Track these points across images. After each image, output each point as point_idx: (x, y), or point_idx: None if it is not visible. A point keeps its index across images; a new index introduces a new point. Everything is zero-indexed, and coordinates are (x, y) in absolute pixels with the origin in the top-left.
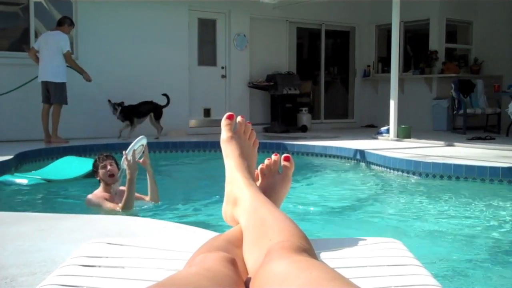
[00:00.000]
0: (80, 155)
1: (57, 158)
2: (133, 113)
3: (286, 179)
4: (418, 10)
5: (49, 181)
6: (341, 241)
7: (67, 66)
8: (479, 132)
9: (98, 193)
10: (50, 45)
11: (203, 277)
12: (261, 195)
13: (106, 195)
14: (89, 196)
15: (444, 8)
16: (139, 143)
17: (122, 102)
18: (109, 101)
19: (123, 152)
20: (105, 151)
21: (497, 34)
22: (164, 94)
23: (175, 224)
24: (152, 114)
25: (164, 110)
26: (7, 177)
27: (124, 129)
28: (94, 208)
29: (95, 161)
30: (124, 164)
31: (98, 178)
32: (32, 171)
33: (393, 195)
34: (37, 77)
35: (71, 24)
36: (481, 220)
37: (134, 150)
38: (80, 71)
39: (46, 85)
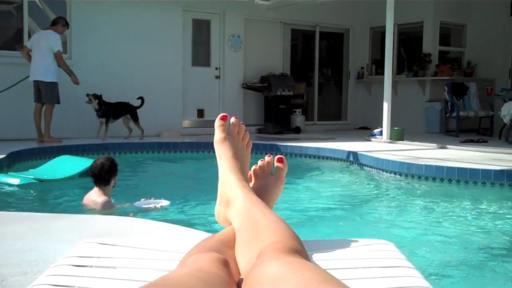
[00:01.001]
0: (72, 155)
1: (49, 158)
2: (110, 112)
3: (279, 180)
4: (412, 12)
5: (41, 180)
6: (333, 243)
7: (58, 66)
8: (472, 135)
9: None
10: (42, 44)
11: (195, 277)
12: (254, 196)
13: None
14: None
15: (438, 11)
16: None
17: (100, 95)
18: (87, 94)
19: (161, 205)
20: (98, 151)
21: (490, 38)
22: (140, 97)
23: (167, 224)
24: (129, 116)
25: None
26: (1, 176)
27: (100, 128)
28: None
29: (116, 165)
30: (151, 207)
31: (113, 181)
32: (29, 170)
33: (386, 197)
34: (28, 76)
35: (66, 24)
36: (473, 222)
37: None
38: (69, 72)
39: (37, 84)
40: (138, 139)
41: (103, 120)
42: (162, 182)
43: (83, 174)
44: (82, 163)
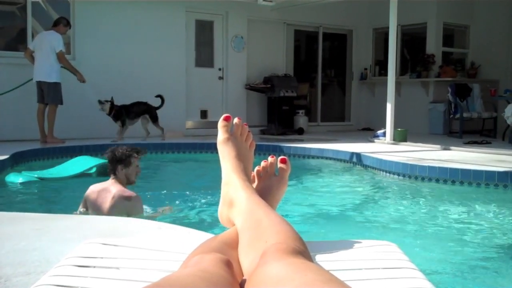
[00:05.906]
0: (76, 156)
1: (53, 158)
2: (123, 113)
3: (282, 181)
4: (416, 13)
5: (42, 179)
6: (336, 244)
7: (62, 67)
8: (475, 136)
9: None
10: (44, 45)
11: (199, 278)
12: (257, 197)
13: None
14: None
15: (441, 12)
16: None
17: (111, 99)
18: (98, 101)
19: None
20: (102, 152)
21: (493, 39)
22: (158, 96)
23: (170, 225)
24: (147, 116)
25: (159, 111)
26: (13, 176)
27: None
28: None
29: (132, 154)
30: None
31: (120, 173)
32: (45, 170)
33: (389, 198)
34: (32, 79)
35: (67, 24)
36: (476, 223)
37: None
38: (74, 71)
39: (40, 85)
40: (160, 139)
41: (119, 122)
42: (164, 182)
43: (100, 174)
44: (91, 163)
